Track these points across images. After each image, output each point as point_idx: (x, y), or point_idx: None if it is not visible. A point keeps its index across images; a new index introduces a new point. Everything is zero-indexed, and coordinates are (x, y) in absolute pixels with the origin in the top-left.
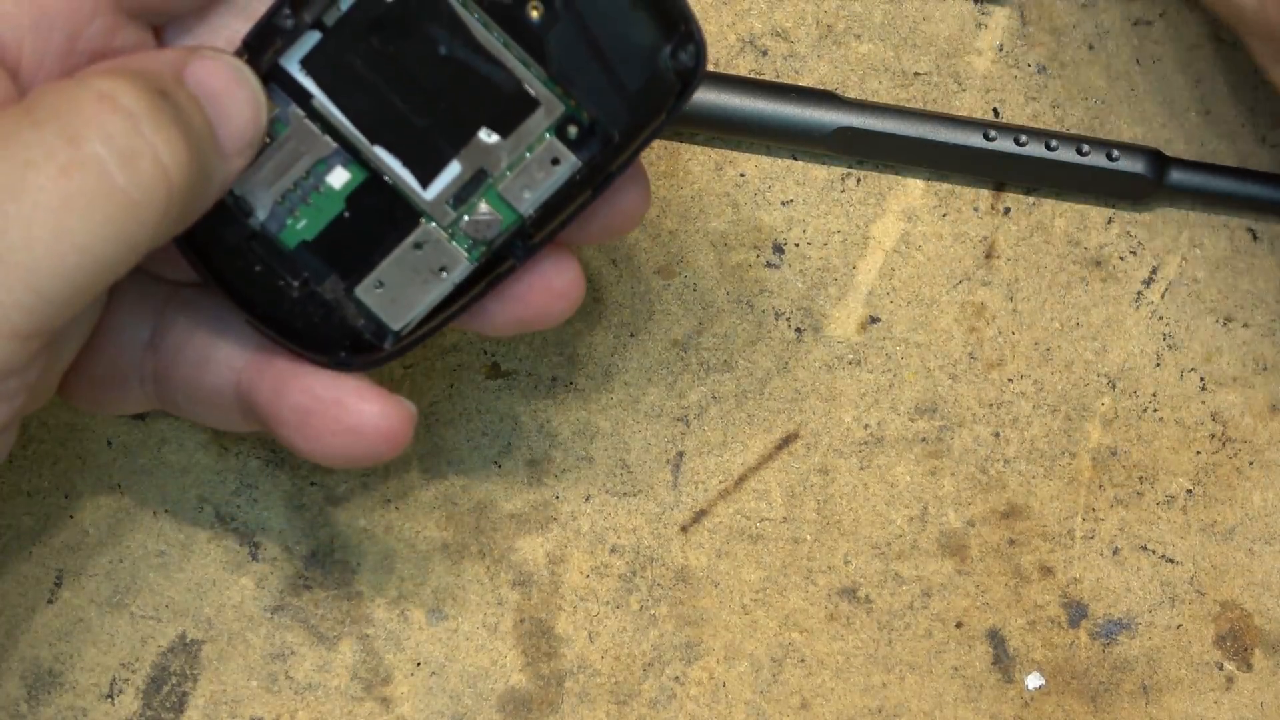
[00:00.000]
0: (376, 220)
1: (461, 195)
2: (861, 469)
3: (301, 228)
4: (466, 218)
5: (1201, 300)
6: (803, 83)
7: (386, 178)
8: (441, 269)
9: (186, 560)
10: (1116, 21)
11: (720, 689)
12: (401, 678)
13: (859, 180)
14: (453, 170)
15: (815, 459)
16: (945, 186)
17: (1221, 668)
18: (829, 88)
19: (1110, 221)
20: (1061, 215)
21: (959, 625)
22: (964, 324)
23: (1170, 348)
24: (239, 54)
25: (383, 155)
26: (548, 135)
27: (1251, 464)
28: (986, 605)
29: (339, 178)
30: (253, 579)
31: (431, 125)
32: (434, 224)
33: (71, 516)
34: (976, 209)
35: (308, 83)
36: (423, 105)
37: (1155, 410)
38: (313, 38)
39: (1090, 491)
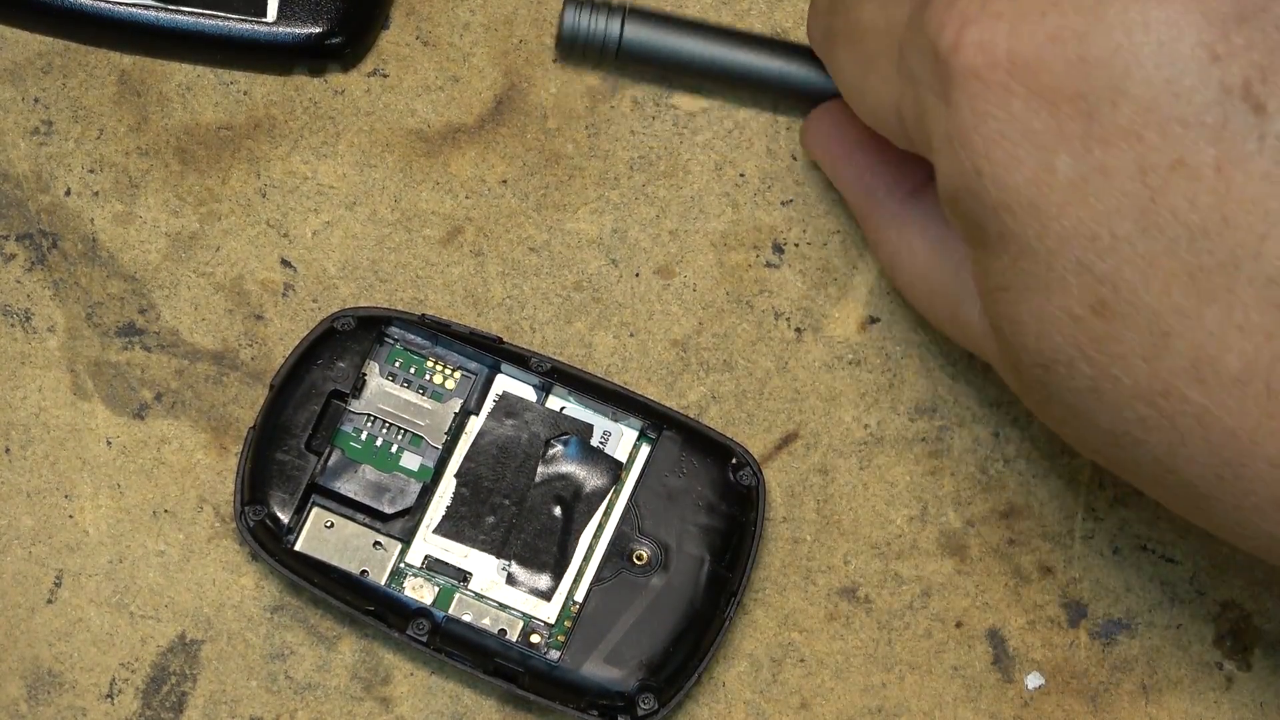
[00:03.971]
0: None
1: None
2: (861, 469)
3: None
4: None
5: None
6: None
7: None
8: None
9: (186, 560)
10: None
11: (720, 689)
12: (401, 677)
13: None
14: None
15: (815, 459)
16: None
17: (1221, 667)
18: None
19: None
20: None
21: (959, 625)
22: None
23: None
24: None
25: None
26: None
27: None
28: (986, 605)
29: None
30: (253, 579)
31: None
32: None
33: (71, 516)
34: None
35: None
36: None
37: None
38: None
39: (1090, 491)
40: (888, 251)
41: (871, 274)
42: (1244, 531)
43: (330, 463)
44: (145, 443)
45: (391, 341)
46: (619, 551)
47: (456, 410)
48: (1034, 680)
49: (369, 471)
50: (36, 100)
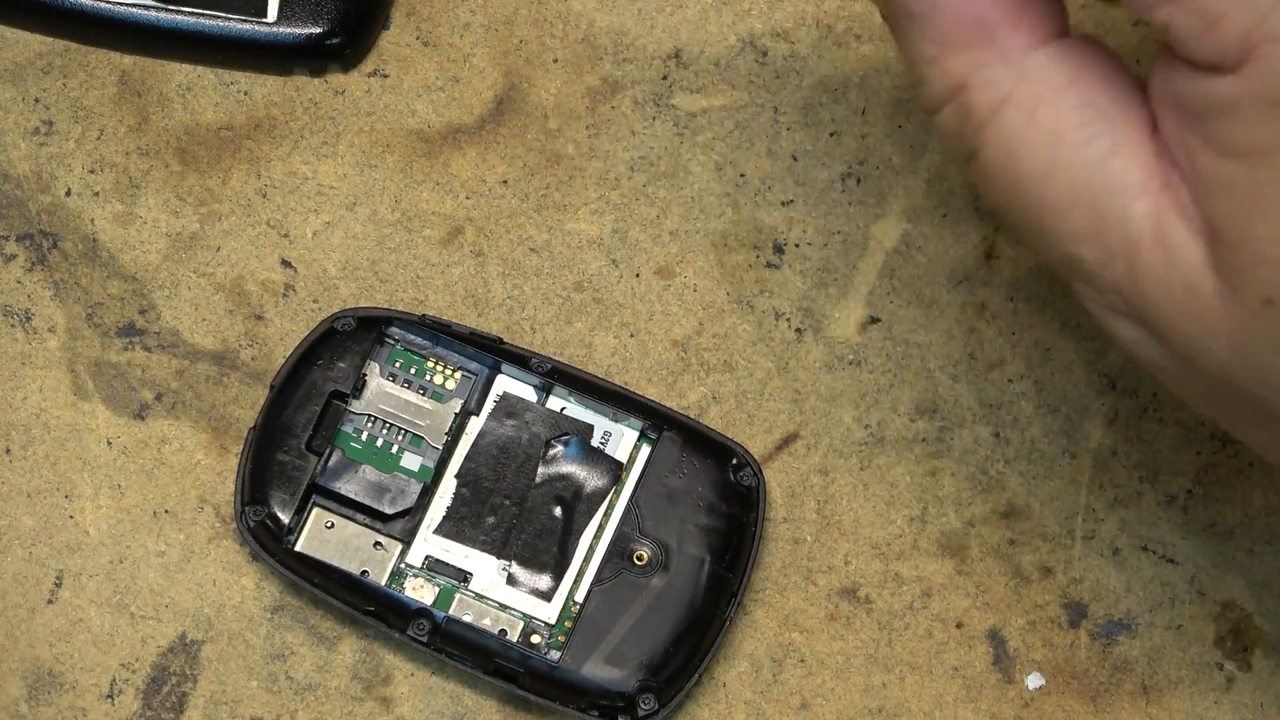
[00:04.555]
0: None
1: None
2: (862, 469)
3: None
4: None
5: None
6: (804, 83)
7: None
8: None
9: (186, 560)
10: (1117, 21)
11: (720, 689)
12: (401, 677)
13: (860, 180)
14: None
15: (815, 459)
16: (946, 186)
17: (1221, 668)
18: None
19: None
20: None
21: (959, 625)
22: (964, 324)
23: None
24: None
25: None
26: None
27: (1252, 464)
28: (987, 605)
29: None
30: (253, 579)
31: None
32: None
33: (71, 516)
34: (977, 208)
35: None
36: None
37: (1155, 410)
38: None
39: (1090, 491)
40: (986, 106)
41: (872, 274)
42: None
43: (331, 463)
44: (145, 443)
45: (392, 342)
46: (619, 552)
47: (457, 411)
48: (1034, 681)
49: (369, 472)
50: (37, 100)
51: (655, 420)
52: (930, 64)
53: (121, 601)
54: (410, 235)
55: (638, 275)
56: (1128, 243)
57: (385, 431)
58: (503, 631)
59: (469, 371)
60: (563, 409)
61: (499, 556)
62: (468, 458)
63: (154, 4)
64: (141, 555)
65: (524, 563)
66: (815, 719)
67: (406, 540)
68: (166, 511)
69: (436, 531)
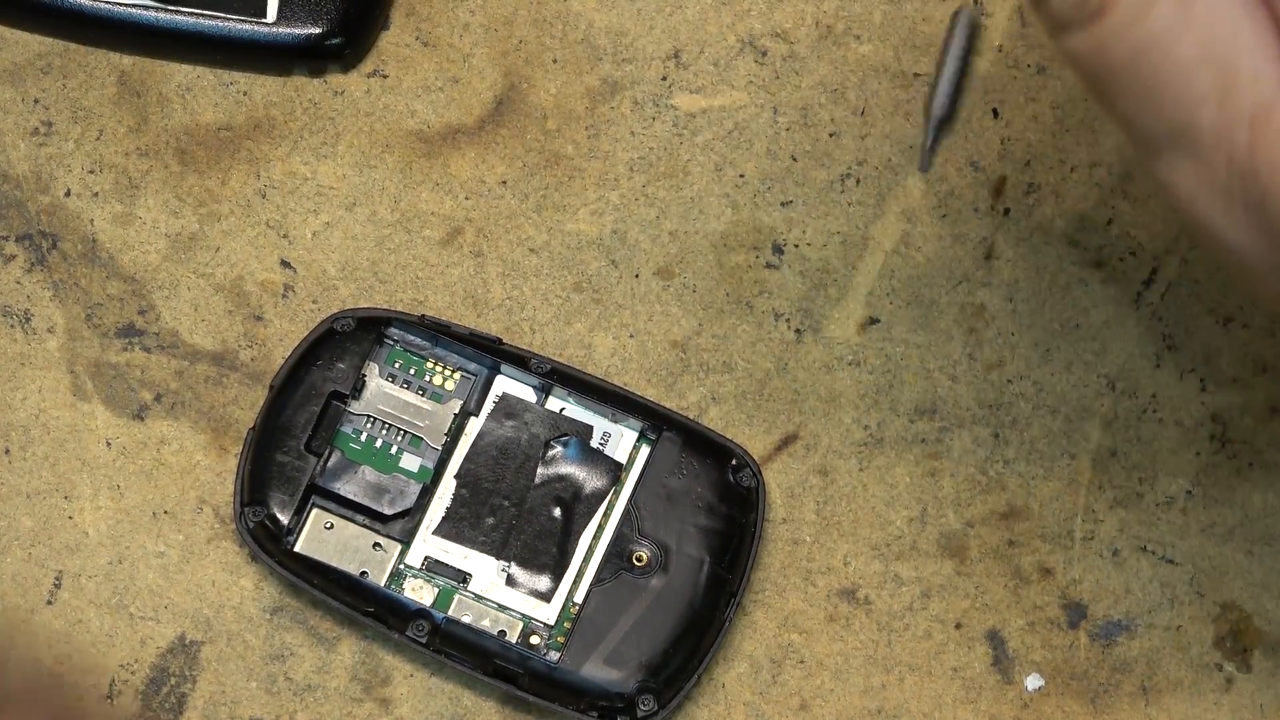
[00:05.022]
0: None
1: None
2: (861, 470)
3: None
4: None
5: (1201, 300)
6: (804, 83)
7: None
8: None
9: (186, 561)
10: None
11: (719, 690)
12: (401, 678)
13: (859, 181)
14: None
15: (815, 460)
16: (945, 187)
17: (1221, 669)
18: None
19: (1110, 222)
20: (1061, 215)
21: (958, 626)
22: (964, 325)
23: (1170, 348)
24: None
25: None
26: None
27: (1251, 465)
28: (986, 606)
29: None
30: (252, 580)
31: None
32: None
33: (70, 517)
34: (976, 209)
35: None
36: None
37: (1155, 411)
38: None
39: (1090, 492)
40: None
41: (871, 275)
42: None
43: (330, 464)
44: (145, 444)
45: (391, 342)
46: (619, 553)
47: (456, 411)
48: (1034, 681)
49: (369, 472)
50: (36, 101)
51: (654, 421)
52: None
53: (121, 602)
54: (409, 236)
55: (637, 276)
56: (1258, 107)
57: (384, 432)
58: (502, 632)
59: (468, 372)
60: (562, 410)
61: (498, 557)
62: (467, 458)
63: (153, 4)
64: (141, 556)
65: (523, 563)
66: None
67: (406, 541)
68: (166, 512)
69: (436, 532)
